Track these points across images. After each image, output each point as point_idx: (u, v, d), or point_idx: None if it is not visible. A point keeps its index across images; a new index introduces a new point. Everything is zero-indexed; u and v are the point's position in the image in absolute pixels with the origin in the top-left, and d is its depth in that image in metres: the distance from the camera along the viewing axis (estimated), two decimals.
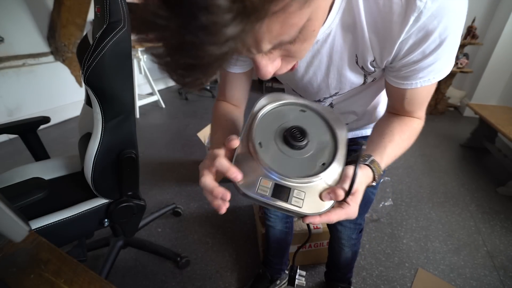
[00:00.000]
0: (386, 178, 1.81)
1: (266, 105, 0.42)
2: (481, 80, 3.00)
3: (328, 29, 0.42)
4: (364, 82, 0.51)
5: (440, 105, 3.19)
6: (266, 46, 0.26)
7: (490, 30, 2.97)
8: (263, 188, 0.36)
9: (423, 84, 0.43)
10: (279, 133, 0.40)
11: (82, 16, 2.50)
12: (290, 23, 0.25)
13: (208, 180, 0.36)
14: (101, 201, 0.88)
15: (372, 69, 0.46)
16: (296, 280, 0.66)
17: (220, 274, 1.21)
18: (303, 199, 0.35)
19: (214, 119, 0.59)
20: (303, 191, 0.36)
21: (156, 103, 3.33)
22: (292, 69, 0.37)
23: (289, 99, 0.44)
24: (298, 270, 0.67)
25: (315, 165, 0.38)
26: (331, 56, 0.46)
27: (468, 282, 1.20)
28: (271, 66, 0.32)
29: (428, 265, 1.28)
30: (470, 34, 2.84)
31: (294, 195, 0.35)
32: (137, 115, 2.97)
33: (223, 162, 0.36)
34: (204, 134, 1.86)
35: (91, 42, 0.78)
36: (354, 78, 0.49)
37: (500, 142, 2.30)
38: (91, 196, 0.89)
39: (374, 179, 0.42)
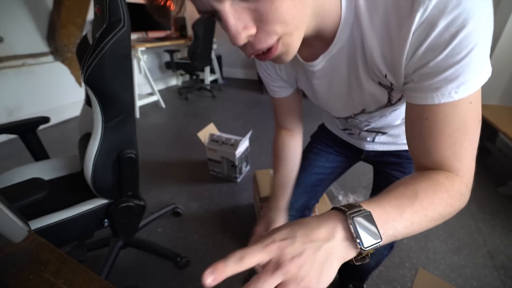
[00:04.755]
0: None
1: None
2: None
3: (339, 41, 0.40)
4: (389, 100, 0.46)
5: None
6: None
7: None
8: None
9: (442, 99, 0.32)
10: None
11: (82, 16, 2.50)
12: None
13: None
14: (101, 202, 0.88)
15: (389, 83, 0.41)
16: None
17: None
18: None
19: (274, 158, 0.70)
20: None
21: (156, 103, 3.33)
22: (271, 51, 0.34)
23: None
24: None
25: None
26: (349, 67, 0.44)
27: (468, 282, 1.20)
28: (241, 26, 0.31)
29: (429, 265, 1.28)
30: None
31: None
32: (137, 115, 2.97)
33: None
34: (204, 134, 1.86)
35: (90, 42, 0.78)
36: (376, 95, 0.46)
37: (501, 142, 2.30)
38: (91, 196, 0.89)
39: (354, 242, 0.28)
